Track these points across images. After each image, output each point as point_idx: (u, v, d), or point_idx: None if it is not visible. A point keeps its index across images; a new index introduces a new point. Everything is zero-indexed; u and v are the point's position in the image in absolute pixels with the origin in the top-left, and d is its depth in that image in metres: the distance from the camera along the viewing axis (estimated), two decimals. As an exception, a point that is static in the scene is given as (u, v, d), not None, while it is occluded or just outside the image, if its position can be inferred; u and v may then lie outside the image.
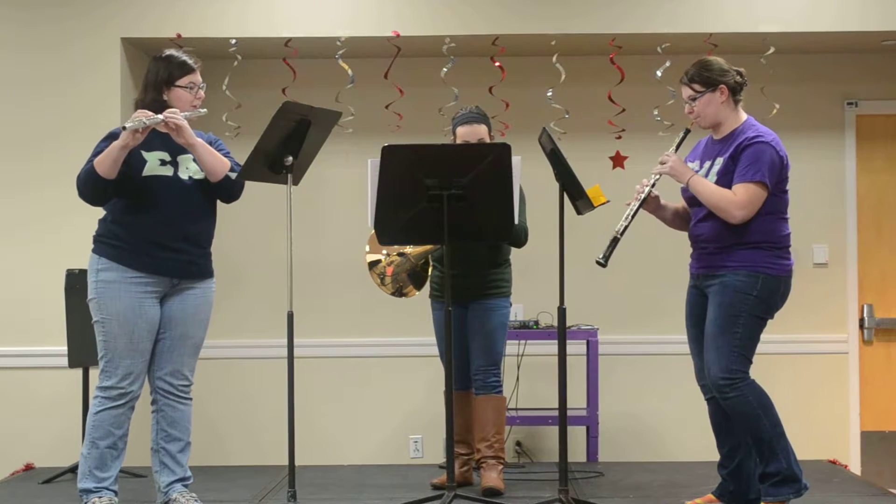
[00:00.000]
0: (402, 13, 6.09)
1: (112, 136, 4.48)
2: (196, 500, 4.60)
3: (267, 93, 6.12)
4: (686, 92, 4.55)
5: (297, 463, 4.70)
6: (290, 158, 4.63)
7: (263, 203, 6.26)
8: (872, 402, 6.65)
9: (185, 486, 4.65)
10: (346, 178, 6.56)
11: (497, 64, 6.09)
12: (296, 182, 4.72)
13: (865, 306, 6.66)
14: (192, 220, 4.58)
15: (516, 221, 4.75)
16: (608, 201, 4.64)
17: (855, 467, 6.49)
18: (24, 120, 6.09)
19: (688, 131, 4.66)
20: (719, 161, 4.48)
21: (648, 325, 6.60)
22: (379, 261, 5.16)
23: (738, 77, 4.52)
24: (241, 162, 4.62)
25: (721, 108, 4.51)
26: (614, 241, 4.55)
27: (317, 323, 6.51)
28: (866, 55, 6.59)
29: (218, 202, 4.72)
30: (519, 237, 5.08)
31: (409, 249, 5.12)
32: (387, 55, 6.14)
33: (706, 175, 4.51)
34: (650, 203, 4.66)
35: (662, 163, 4.58)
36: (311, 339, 6.40)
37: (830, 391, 6.61)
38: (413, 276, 5.17)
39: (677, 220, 4.77)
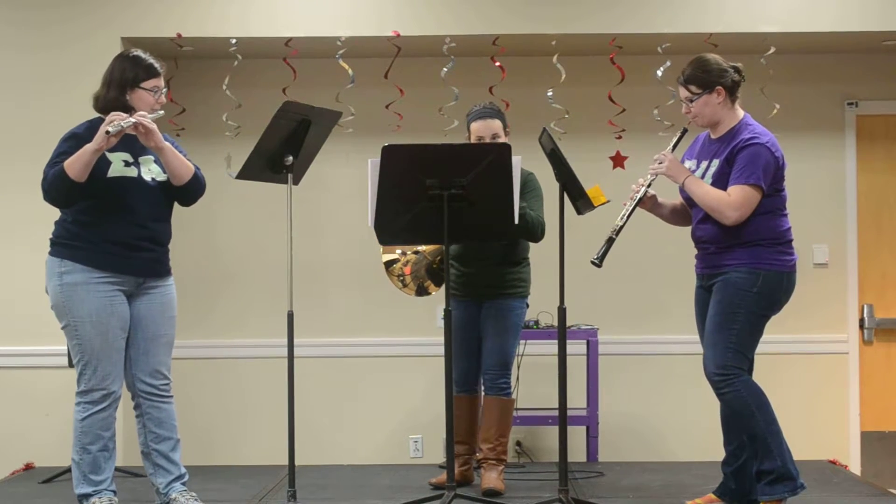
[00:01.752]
0: (402, 13, 6.09)
1: (73, 137, 4.45)
2: (196, 500, 4.60)
3: (267, 93, 6.12)
4: (683, 93, 4.54)
5: (296, 463, 4.70)
6: (291, 158, 4.64)
7: (263, 202, 6.27)
8: (872, 403, 6.65)
9: (184, 483, 4.63)
10: (346, 178, 6.55)
11: (497, 64, 6.09)
12: (296, 182, 4.73)
13: (865, 306, 6.66)
14: (156, 220, 4.56)
15: (516, 221, 4.75)
16: (608, 201, 4.64)
17: (855, 467, 6.49)
18: (26, 120, 6.08)
19: (685, 131, 4.66)
20: (716, 163, 4.47)
21: (648, 325, 6.60)
22: (396, 260, 5.13)
23: (736, 75, 4.50)
24: (237, 164, 4.61)
25: (718, 109, 4.49)
26: (609, 242, 4.55)
27: (316, 323, 6.50)
28: (866, 55, 6.59)
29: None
30: (535, 231, 5.05)
31: (423, 246, 5.11)
32: (387, 55, 6.13)
33: (702, 176, 4.50)
34: (646, 202, 4.66)
35: (659, 162, 4.58)
36: (311, 339, 6.39)
37: (830, 391, 6.61)
38: (431, 273, 5.14)
39: (675, 216, 4.77)
